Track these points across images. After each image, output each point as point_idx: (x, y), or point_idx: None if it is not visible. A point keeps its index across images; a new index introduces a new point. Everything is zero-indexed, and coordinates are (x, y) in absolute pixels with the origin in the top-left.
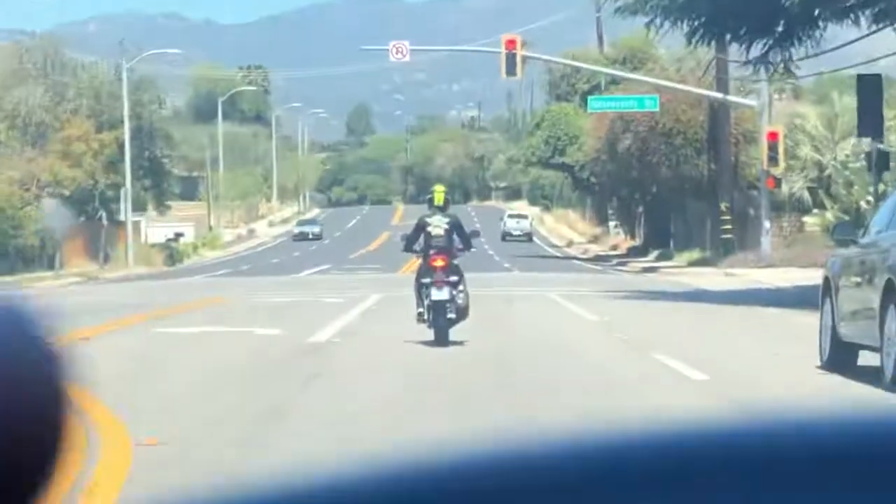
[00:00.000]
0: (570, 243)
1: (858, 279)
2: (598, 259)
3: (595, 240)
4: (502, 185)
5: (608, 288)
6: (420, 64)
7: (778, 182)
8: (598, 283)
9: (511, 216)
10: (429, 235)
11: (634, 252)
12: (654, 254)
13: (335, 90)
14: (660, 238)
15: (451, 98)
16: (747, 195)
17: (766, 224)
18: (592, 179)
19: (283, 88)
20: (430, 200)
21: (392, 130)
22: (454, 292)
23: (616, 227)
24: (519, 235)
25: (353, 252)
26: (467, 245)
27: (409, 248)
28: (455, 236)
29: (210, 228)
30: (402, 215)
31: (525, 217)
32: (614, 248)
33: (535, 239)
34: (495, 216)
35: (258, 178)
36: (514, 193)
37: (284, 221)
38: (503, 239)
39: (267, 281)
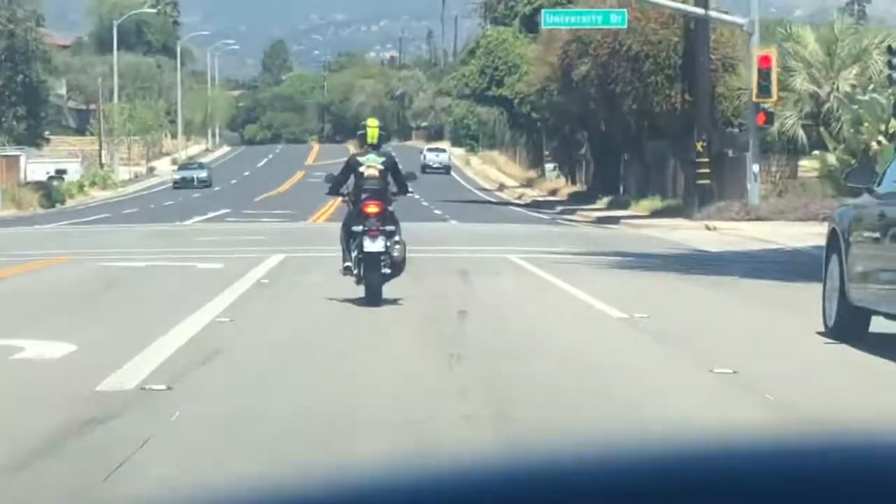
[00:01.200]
0: (501, 187)
1: (876, 234)
2: (537, 206)
3: (529, 184)
4: (423, 124)
5: (580, 248)
6: (339, 3)
7: (770, 117)
8: (560, 240)
9: (430, 150)
10: (360, 177)
11: (578, 198)
12: (604, 201)
13: (249, 28)
14: (608, 183)
15: (370, 39)
16: (724, 134)
17: (755, 168)
18: (534, 115)
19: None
20: (362, 137)
21: (310, 70)
22: (389, 243)
23: (554, 169)
24: (438, 168)
25: (260, 194)
26: (403, 189)
27: (335, 190)
28: (390, 179)
29: (101, 165)
30: (318, 155)
31: (444, 151)
32: (553, 193)
33: (452, 173)
34: (417, 156)
35: (159, 111)
36: (436, 133)
37: (190, 160)
38: (423, 171)
39: (140, 231)
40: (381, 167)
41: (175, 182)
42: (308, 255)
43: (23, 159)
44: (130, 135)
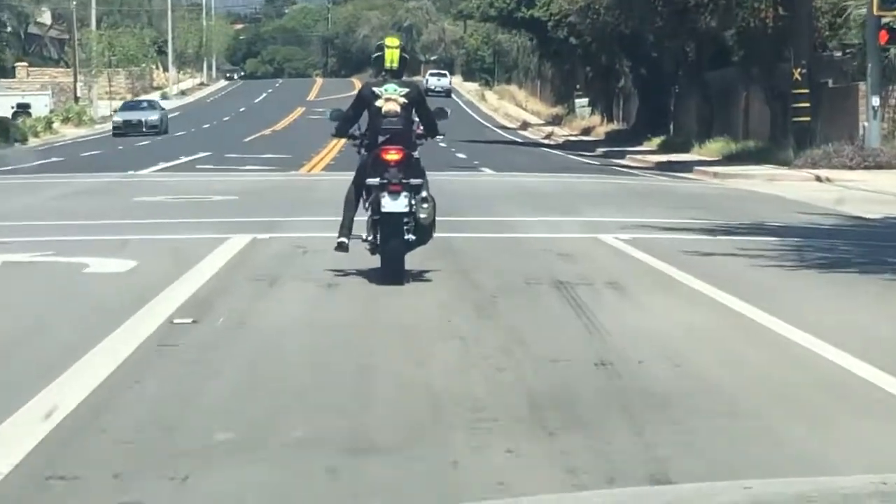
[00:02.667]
0: (524, 125)
1: None
2: (572, 147)
3: (556, 121)
4: (433, 58)
5: (690, 215)
6: None
7: (893, 36)
8: (647, 201)
9: (432, 74)
10: (377, 114)
11: (619, 139)
12: (655, 142)
13: None
14: (655, 121)
15: None
16: (821, 59)
17: (874, 101)
18: (572, 40)
19: None
20: (379, 61)
21: (314, 3)
22: (414, 201)
23: (586, 105)
24: (440, 91)
25: (252, 133)
26: (432, 130)
27: (342, 131)
28: (415, 117)
29: (76, 99)
30: (320, 90)
31: (445, 75)
32: (586, 132)
33: (453, 95)
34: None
35: (144, 39)
36: (446, 67)
37: (183, 93)
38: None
39: (67, 188)
40: (403, 101)
41: (115, 127)
42: (289, 235)
43: None
44: (112, 66)
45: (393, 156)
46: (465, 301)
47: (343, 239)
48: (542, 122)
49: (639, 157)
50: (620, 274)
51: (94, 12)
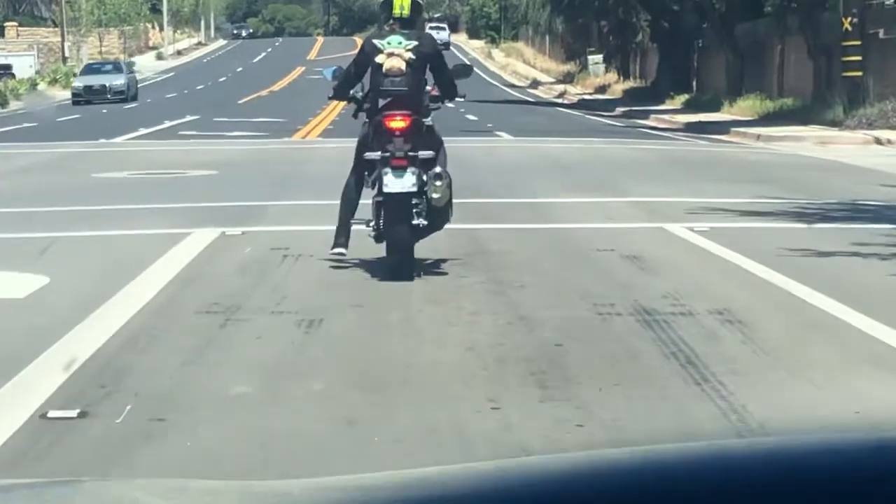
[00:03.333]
0: (534, 83)
1: None
2: (588, 106)
3: (568, 79)
4: (437, 15)
5: (767, 193)
6: None
7: None
8: (703, 173)
9: (431, 27)
10: (379, 73)
11: (638, 97)
12: (679, 100)
13: None
14: (678, 77)
15: None
16: (869, 7)
17: None
18: None
19: None
20: (386, 7)
21: None
22: (425, 178)
23: (600, 62)
24: (441, 45)
25: (248, 94)
26: (450, 91)
27: (342, 93)
28: (427, 75)
29: (64, 60)
30: (321, 48)
31: (444, 28)
32: (601, 90)
33: (458, 53)
34: None
35: None
36: (450, 26)
37: (179, 53)
38: None
39: (20, 161)
40: (410, 56)
41: (74, 94)
42: (269, 228)
43: None
44: (102, 25)
45: (397, 123)
46: (514, 356)
47: (340, 249)
48: (552, 80)
49: (664, 117)
50: (725, 293)
51: None
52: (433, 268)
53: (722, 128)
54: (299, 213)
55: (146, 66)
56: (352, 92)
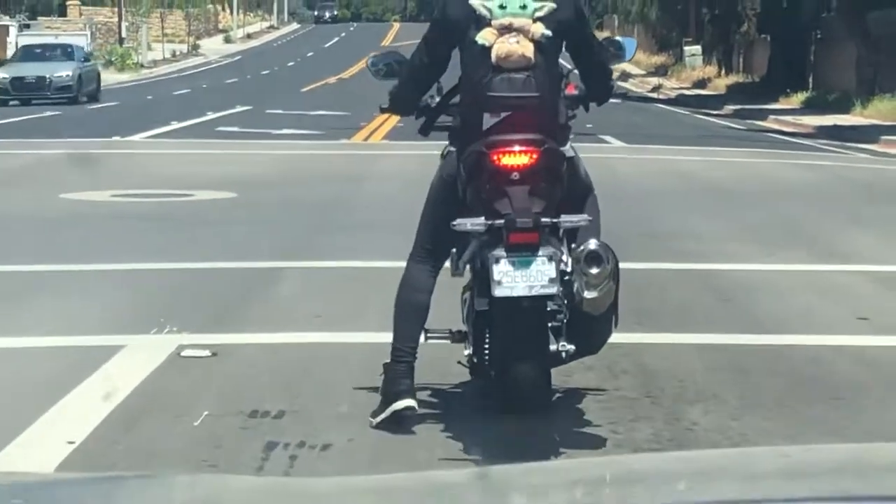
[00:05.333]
0: (624, 75)
1: None
2: (688, 103)
3: (662, 72)
4: None
5: None
6: None
7: None
8: None
9: None
10: (479, 60)
11: (744, 93)
12: (797, 99)
13: None
14: (792, 73)
15: None
16: None
17: None
18: None
19: None
20: None
21: None
22: (569, 261)
23: (698, 54)
24: None
25: (314, 82)
26: (603, 87)
27: (404, 101)
28: (563, 62)
29: (120, 42)
30: (397, 35)
31: None
32: (700, 84)
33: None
34: None
35: None
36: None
37: (249, 37)
38: None
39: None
40: (542, 32)
41: (2, 86)
42: (266, 340)
43: (13, 32)
44: (166, 4)
45: (519, 159)
46: None
47: (404, 403)
48: (643, 72)
49: (786, 118)
50: None
51: None
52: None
53: (866, 135)
54: (331, 291)
55: (212, 49)
56: (424, 100)
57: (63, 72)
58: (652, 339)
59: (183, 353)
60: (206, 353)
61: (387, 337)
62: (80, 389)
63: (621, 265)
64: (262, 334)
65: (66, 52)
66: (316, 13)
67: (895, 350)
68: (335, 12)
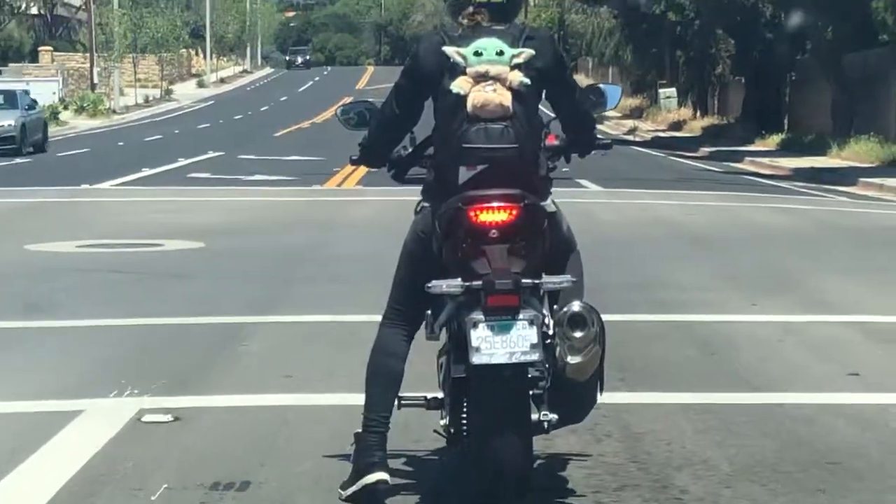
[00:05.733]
0: (600, 118)
1: None
2: (664, 145)
3: (637, 114)
4: None
5: None
6: None
7: None
8: None
9: None
10: (458, 111)
11: (720, 135)
12: (773, 140)
13: None
14: (766, 114)
15: None
16: None
17: None
18: (670, 16)
19: None
20: None
21: None
22: (552, 324)
23: (672, 96)
24: None
25: (287, 126)
26: (586, 137)
27: (374, 153)
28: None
29: (92, 87)
30: (371, 78)
31: None
32: (676, 126)
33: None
34: None
35: (176, 21)
36: None
37: (222, 81)
38: None
39: None
40: (523, 80)
41: None
42: (233, 403)
43: None
44: (139, 50)
45: (498, 215)
46: None
47: (377, 476)
48: (618, 114)
49: (762, 160)
50: None
51: None
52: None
53: (844, 177)
54: (302, 348)
55: (186, 93)
56: (396, 152)
57: (4, 121)
58: (636, 398)
59: (144, 419)
60: (168, 417)
61: (361, 398)
62: (34, 459)
63: (602, 316)
64: (228, 396)
65: (9, 100)
66: (288, 58)
67: (891, 409)
68: (308, 57)
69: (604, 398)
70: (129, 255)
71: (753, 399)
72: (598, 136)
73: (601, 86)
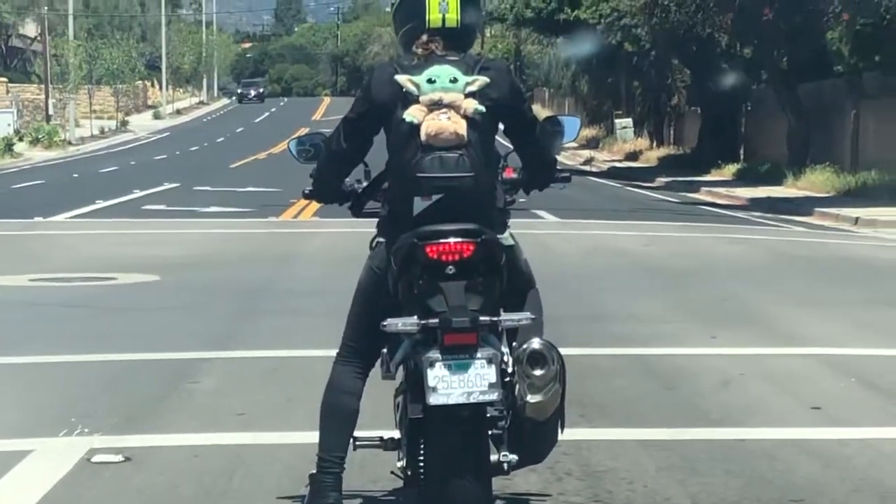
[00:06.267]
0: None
1: None
2: (621, 176)
3: (593, 145)
4: None
5: None
6: None
7: None
8: (856, 284)
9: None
10: (411, 141)
11: (676, 165)
12: (729, 170)
13: None
14: (722, 144)
15: None
16: None
17: None
18: (627, 47)
19: None
20: (412, 8)
21: (323, 20)
22: (511, 362)
23: (629, 127)
24: None
25: (243, 157)
26: (545, 169)
27: (326, 188)
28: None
29: (47, 119)
30: (328, 109)
31: None
32: (632, 157)
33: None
34: None
35: (131, 53)
36: None
37: (178, 113)
38: None
39: None
40: (477, 108)
41: None
42: (185, 442)
43: None
44: (94, 81)
45: (452, 251)
46: None
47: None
48: (574, 144)
49: (718, 190)
50: None
51: (70, 19)
52: None
53: (799, 207)
54: (257, 384)
55: (142, 125)
56: (350, 182)
57: None
58: (596, 434)
59: (94, 459)
60: (119, 457)
61: (316, 437)
62: None
63: (561, 350)
64: (180, 435)
65: None
66: (240, 91)
67: (852, 444)
68: (262, 90)
69: (564, 435)
70: (82, 289)
71: (714, 434)
72: (558, 168)
73: (560, 118)
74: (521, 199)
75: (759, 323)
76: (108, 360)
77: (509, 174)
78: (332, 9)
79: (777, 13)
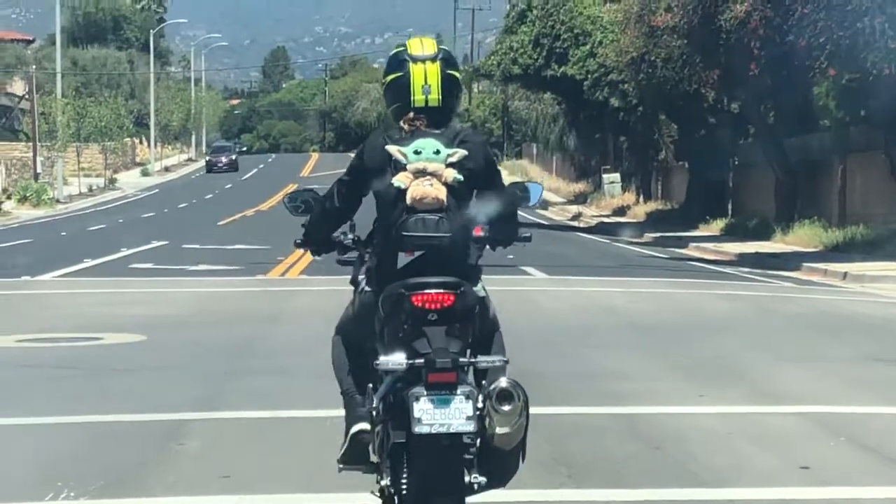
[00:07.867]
0: (544, 204)
1: None
2: (608, 232)
3: (581, 200)
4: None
5: None
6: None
7: None
8: (843, 341)
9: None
10: (394, 203)
11: (664, 221)
12: (717, 225)
13: (254, 40)
14: (710, 199)
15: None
16: None
17: None
18: (613, 102)
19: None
20: (399, 90)
21: (311, 76)
22: (484, 403)
23: (616, 182)
24: None
25: (231, 214)
26: (508, 230)
27: (317, 237)
28: (476, 206)
29: (35, 177)
30: (316, 165)
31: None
32: (620, 212)
33: None
34: None
35: (120, 110)
36: None
37: (167, 170)
38: None
39: None
40: (454, 176)
41: None
42: None
43: None
44: (82, 139)
45: (434, 301)
46: None
47: (360, 427)
48: (563, 200)
49: (707, 245)
50: None
51: (59, 77)
52: None
53: (787, 262)
54: (243, 445)
55: (130, 182)
56: (337, 234)
57: None
58: (584, 495)
59: None
60: None
61: (303, 499)
62: None
63: (547, 409)
64: (165, 498)
65: None
66: (209, 158)
67: None
68: (233, 156)
69: (552, 496)
70: (68, 349)
71: (702, 495)
72: (521, 225)
73: (526, 183)
74: (509, 256)
75: (748, 380)
76: (94, 422)
77: (478, 232)
78: (319, 65)
79: (763, 68)
